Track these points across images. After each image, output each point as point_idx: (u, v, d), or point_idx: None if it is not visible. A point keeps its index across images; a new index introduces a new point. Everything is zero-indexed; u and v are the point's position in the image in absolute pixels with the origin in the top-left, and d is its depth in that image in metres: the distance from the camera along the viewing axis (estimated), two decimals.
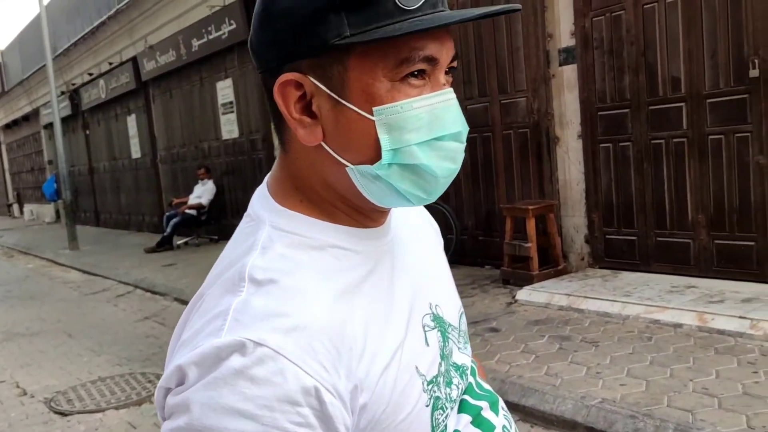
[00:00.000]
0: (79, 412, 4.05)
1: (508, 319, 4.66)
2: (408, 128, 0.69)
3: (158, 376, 4.56)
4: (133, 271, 8.88)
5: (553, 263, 5.56)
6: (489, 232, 6.39)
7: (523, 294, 5.14)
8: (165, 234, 10.55)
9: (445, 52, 0.71)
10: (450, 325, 0.86)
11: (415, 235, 0.91)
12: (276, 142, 9.30)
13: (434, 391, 0.78)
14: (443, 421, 0.79)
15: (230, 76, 10.17)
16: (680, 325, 4.05)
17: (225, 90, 10.38)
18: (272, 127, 0.81)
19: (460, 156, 0.73)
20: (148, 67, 12.18)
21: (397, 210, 0.85)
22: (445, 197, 6.57)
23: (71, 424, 3.93)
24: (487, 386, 0.92)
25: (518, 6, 0.77)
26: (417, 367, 0.76)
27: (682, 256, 4.96)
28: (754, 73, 4.38)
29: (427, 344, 0.80)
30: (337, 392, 0.66)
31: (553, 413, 3.24)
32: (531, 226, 5.40)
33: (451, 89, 0.73)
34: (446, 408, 0.80)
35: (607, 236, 5.47)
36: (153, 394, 4.21)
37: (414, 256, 0.86)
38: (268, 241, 0.73)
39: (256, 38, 0.74)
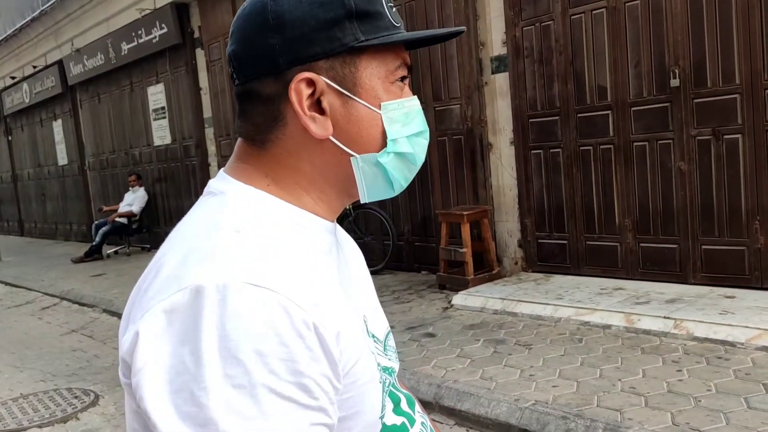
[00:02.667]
0: None
1: (444, 324, 4.70)
2: (402, 122, 0.83)
3: (85, 392, 4.39)
4: (59, 282, 8.54)
5: (488, 268, 5.65)
6: (425, 237, 6.44)
7: (459, 299, 5.19)
8: (94, 243, 10.20)
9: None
10: (375, 336, 0.90)
11: (352, 249, 1.00)
12: (211, 149, 9.14)
13: (383, 376, 0.85)
14: (385, 406, 0.85)
15: (162, 80, 9.94)
16: (609, 327, 4.17)
17: (156, 95, 10.13)
18: (237, 124, 0.86)
19: (426, 152, 0.88)
20: (75, 71, 11.77)
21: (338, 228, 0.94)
22: (381, 203, 6.60)
23: None
24: (406, 391, 0.97)
25: (463, 28, 0.90)
26: (371, 348, 0.83)
27: (610, 259, 5.12)
28: (674, 82, 4.57)
29: (370, 337, 0.86)
30: (330, 330, 0.71)
31: (488, 416, 3.27)
32: (466, 231, 5.47)
33: (416, 97, 0.88)
34: (385, 395, 0.85)
35: (540, 240, 5.60)
36: (80, 410, 4.05)
37: (352, 266, 0.94)
38: (236, 206, 0.78)
39: (257, 44, 0.80)
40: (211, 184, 0.85)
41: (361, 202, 0.88)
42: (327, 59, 0.79)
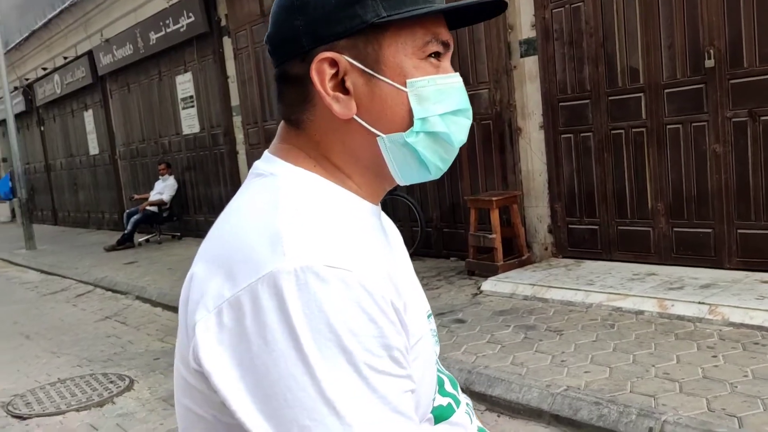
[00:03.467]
0: (38, 416, 3.95)
1: (473, 310, 4.68)
2: (433, 100, 0.80)
3: (120, 377, 4.47)
4: (92, 270, 8.69)
5: (517, 254, 5.61)
6: (454, 223, 6.41)
7: (488, 285, 5.17)
8: (125, 232, 10.35)
9: (451, 42, 0.83)
10: None
11: (395, 233, 1.01)
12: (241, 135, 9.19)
13: (433, 352, 0.87)
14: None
15: (190, 69, 10.01)
16: (642, 312, 4.12)
17: (185, 84, 10.21)
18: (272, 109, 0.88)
19: (467, 132, 0.85)
20: (105, 61, 11.91)
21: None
22: (410, 190, 6.58)
23: (30, 427, 3.83)
24: (448, 373, 0.99)
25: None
26: (428, 326, 0.86)
27: (642, 244, 5.05)
28: (709, 63, 4.47)
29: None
30: (401, 306, 0.72)
31: (519, 402, 3.26)
32: (495, 217, 5.43)
33: (458, 74, 0.84)
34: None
35: (570, 226, 5.54)
36: (115, 395, 4.13)
37: (394, 249, 0.94)
38: (289, 187, 0.78)
39: (285, 26, 0.80)
40: (258, 165, 0.84)
41: (399, 184, 0.87)
42: (349, 38, 0.78)
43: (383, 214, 0.94)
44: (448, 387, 0.92)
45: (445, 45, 0.82)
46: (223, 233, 0.76)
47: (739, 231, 4.51)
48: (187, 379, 0.74)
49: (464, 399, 0.95)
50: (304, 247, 0.68)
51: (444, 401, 0.88)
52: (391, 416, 0.66)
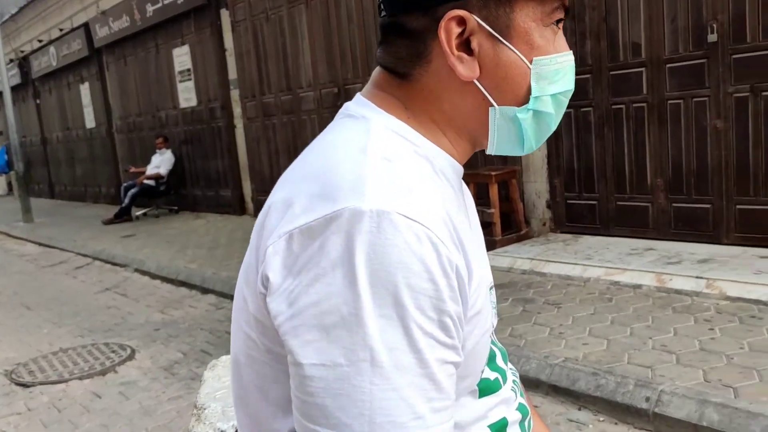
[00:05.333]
0: (41, 383, 3.99)
1: None
2: (551, 80, 0.78)
3: (122, 346, 4.51)
4: (91, 242, 8.70)
5: (515, 228, 5.63)
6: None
7: None
8: (123, 205, 10.35)
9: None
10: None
11: (470, 197, 0.98)
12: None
13: (491, 326, 0.85)
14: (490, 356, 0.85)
15: (187, 42, 9.92)
16: (639, 286, 4.15)
17: (182, 57, 10.13)
18: (381, 56, 0.82)
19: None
20: (101, 33, 11.80)
21: None
22: None
23: (34, 395, 3.87)
24: (502, 345, 0.97)
25: None
26: (488, 297, 0.82)
27: (641, 220, 5.07)
28: (712, 37, 4.45)
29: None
30: (465, 273, 0.70)
31: (518, 373, 3.30)
32: (494, 192, 5.45)
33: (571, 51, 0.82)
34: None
35: (569, 201, 5.55)
36: (117, 364, 4.17)
37: (470, 214, 0.93)
38: (381, 134, 0.76)
39: None
40: (349, 106, 0.82)
41: (487, 153, 0.85)
42: None
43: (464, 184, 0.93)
44: (499, 361, 0.90)
45: (566, 12, 0.79)
46: (307, 167, 0.75)
47: (738, 207, 4.53)
48: (247, 302, 0.75)
49: (511, 375, 0.93)
50: (384, 193, 0.67)
51: (492, 375, 0.86)
52: (423, 381, 0.65)
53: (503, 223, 5.53)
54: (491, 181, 5.43)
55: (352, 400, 0.64)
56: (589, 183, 5.38)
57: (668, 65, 4.75)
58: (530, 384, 3.24)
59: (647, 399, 2.83)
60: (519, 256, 5.06)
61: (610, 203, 5.26)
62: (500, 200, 5.50)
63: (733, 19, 4.37)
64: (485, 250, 0.94)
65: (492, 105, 0.78)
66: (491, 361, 0.87)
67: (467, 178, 5.04)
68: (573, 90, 0.82)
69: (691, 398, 2.73)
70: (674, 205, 4.87)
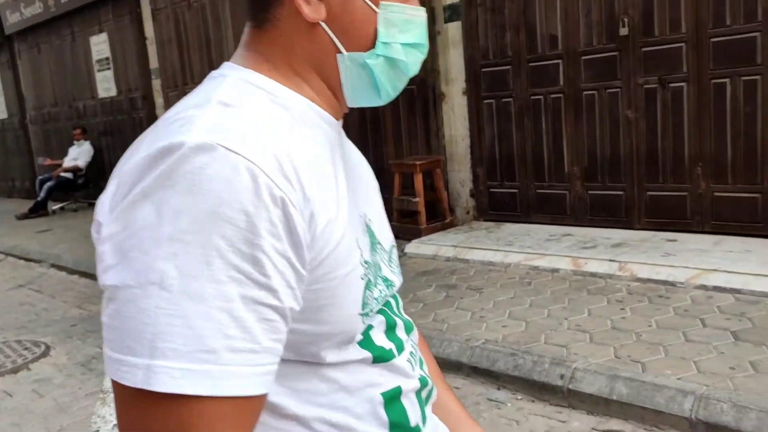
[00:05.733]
0: None
1: None
2: (399, 28, 0.80)
3: (35, 343, 4.33)
4: (4, 238, 8.29)
5: (440, 217, 5.71)
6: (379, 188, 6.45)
7: (412, 247, 5.26)
8: (38, 199, 9.91)
9: None
10: (379, 244, 0.89)
11: (360, 159, 0.98)
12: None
13: (368, 272, 0.81)
14: (371, 305, 0.81)
15: (105, 30, 9.57)
16: (557, 270, 4.30)
17: (100, 45, 9.77)
18: (253, 7, 0.81)
19: (420, 67, 0.85)
20: (12, 19, 11.23)
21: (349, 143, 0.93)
22: None
23: None
24: (408, 317, 0.95)
25: None
26: (357, 240, 0.80)
27: (559, 207, 5.24)
28: (623, 31, 4.64)
29: (365, 235, 0.83)
30: (301, 211, 0.68)
31: (439, 356, 3.35)
32: (419, 181, 5.51)
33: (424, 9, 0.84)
34: (373, 294, 0.82)
35: (491, 190, 5.68)
36: (30, 361, 4.00)
37: (358, 171, 0.92)
38: (234, 85, 0.76)
39: None
40: (213, 72, 0.82)
41: (348, 105, 0.85)
42: None
43: (347, 140, 0.93)
44: (399, 332, 0.89)
45: None
46: (150, 129, 0.74)
47: (648, 193, 4.75)
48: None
49: (410, 347, 0.90)
50: (210, 129, 0.66)
51: (388, 345, 0.85)
52: (222, 316, 0.62)
53: (429, 212, 5.60)
54: (416, 171, 5.50)
55: (137, 323, 0.62)
56: (510, 172, 5.52)
57: (583, 57, 4.92)
58: (452, 366, 3.31)
59: (562, 376, 2.94)
60: (443, 244, 5.14)
61: (530, 191, 5.41)
62: (425, 189, 5.57)
63: (642, 14, 4.56)
64: (382, 210, 0.95)
65: (340, 51, 0.79)
66: (390, 330, 0.86)
67: (393, 168, 5.06)
68: (427, 45, 0.84)
69: (602, 374, 2.86)
70: (590, 192, 5.05)
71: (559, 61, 5.06)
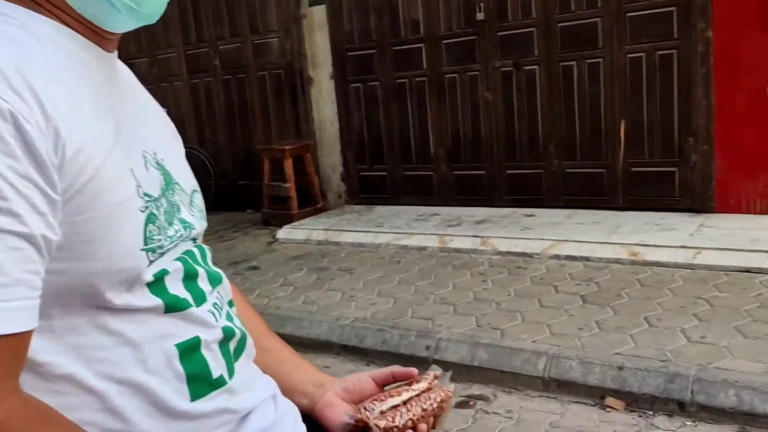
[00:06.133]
0: None
1: (268, 257, 4.72)
2: None
3: None
4: None
5: (312, 202, 5.71)
6: (249, 175, 6.34)
7: (283, 233, 5.22)
8: None
9: None
10: (177, 184, 0.86)
11: (142, 92, 0.93)
12: None
13: (152, 207, 0.78)
14: (158, 242, 0.78)
15: None
16: (425, 248, 4.42)
17: None
18: None
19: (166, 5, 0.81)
20: None
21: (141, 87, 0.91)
22: (202, 143, 6.38)
23: None
24: (217, 270, 0.92)
25: None
26: (132, 170, 0.77)
27: (426, 188, 5.38)
28: (480, 16, 4.82)
29: (146, 169, 0.80)
30: (40, 129, 0.63)
31: (310, 337, 3.37)
32: (289, 166, 5.47)
33: None
34: (161, 232, 0.79)
35: (361, 173, 5.74)
36: None
37: (140, 108, 0.88)
38: None
39: None
40: None
41: (87, 17, 0.77)
42: None
43: (127, 70, 0.90)
44: (201, 282, 0.85)
45: None
46: None
47: (507, 172, 4.98)
48: None
49: (214, 299, 0.87)
50: None
51: (183, 294, 0.81)
52: None
53: (300, 198, 5.58)
54: (285, 156, 5.45)
55: None
56: (378, 155, 5.60)
57: (444, 41, 5.07)
58: (322, 347, 3.33)
59: (427, 347, 3.04)
60: (315, 228, 5.14)
61: (398, 174, 5.52)
62: (296, 175, 5.54)
63: (497, 0, 4.76)
64: (178, 151, 0.94)
65: None
66: (189, 279, 0.83)
67: (263, 153, 4.97)
68: None
69: (465, 342, 2.98)
70: (455, 173, 5.23)
71: (422, 45, 5.18)
